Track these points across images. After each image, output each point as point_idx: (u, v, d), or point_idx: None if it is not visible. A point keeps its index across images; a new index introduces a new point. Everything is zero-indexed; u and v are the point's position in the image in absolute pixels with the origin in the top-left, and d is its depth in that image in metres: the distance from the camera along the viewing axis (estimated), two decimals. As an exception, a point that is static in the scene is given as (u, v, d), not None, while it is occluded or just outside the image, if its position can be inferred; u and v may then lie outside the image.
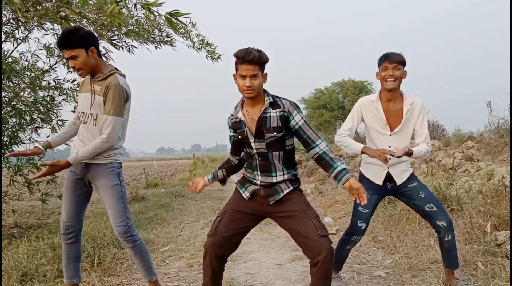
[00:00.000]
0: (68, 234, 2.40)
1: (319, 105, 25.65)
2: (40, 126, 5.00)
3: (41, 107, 4.93)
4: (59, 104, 5.13)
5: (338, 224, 4.67)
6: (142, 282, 2.97)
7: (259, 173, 2.16)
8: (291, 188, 2.14)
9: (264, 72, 2.06)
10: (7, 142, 4.58)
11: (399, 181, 2.55)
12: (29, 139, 4.96)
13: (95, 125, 2.34)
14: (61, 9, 3.10)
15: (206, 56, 5.42)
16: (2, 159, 4.40)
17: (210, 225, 5.09)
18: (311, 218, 2.02)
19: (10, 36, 4.42)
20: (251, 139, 2.10)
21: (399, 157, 2.36)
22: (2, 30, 4.21)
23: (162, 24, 4.91)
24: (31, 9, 3.04)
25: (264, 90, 2.12)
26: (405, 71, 2.52)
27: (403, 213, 3.99)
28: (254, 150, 2.11)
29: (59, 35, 2.35)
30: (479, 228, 3.33)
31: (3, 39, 4.28)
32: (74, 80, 5.08)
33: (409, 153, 2.39)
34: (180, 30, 4.99)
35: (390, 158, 2.49)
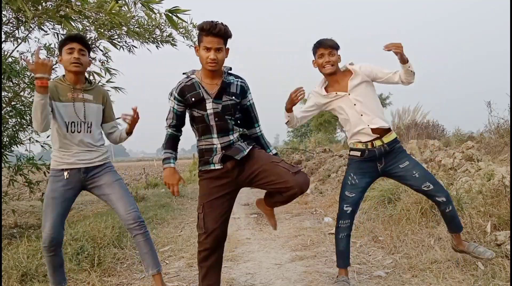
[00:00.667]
0: (51, 247, 2.35)
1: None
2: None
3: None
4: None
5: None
6: (142, 282, 2.97)
7: (215, 135, 2.16)
8: (250, 147, 2.19)
9: (227, 47, 2.11)
10: (6, 142, 4.58)
11: (374, 125, 2.51)
12: (29, 139, 4.96)
13: (90, 132, 2.44)
14: (61, 8, 3.09)
15: None
16: (2, 159, 4.40)
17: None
18: (278, 164, 2.10)
19: (10, 36, 4.42)
20: (208, 100, 2.12)
21: (389, 49, 2.35)
22: (2, 30, 4.21)
23: (162, 24, 4.91)
24: (31, 9, 3.04)
25: (225, 67, 2.21)
26: (339, 55, 2.58)
27: (403, 213, 3.99)
28: (210, 110, 2.12)
29: (71, 34, 2.48)
30: (479, 228, 3.32)
31: (3, 39, 4.27)
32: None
33: (398, 50, 2.34)
34: (181, 30, 4.98)
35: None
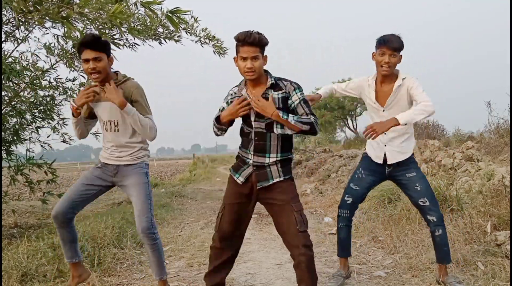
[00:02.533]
0: (61, 223, 2.43)
1: (319, 105, 25.66)
2: (41, 125, 5.00)
3: (41, 107, 4.93)
4: (60, 104, 5.13)
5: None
6: (142, 282, 2.98)
7: (252, 152, 2.16)
8: (281, 178, 2.14)
9: (264, 55, 2.10)
10: (6, 142, 4.58)
11: (391, 160, 2.56)
12: (29, 139, 4.96)
13: (118, 131, 2.46)
14: (62, 9, 3.09)
15: (213, 51, 5.38)
16: (2, 159, 4.41)
17: (210, 225, 5.10)
18: (293, 211, 2.07)
19: (10, 36, 4.42)
20: (252, 118, 2.13)
21: (366, 133, 2.34)
22: (2, 30, 4.21)
23: (164, 21, 4.89)
24: (33, 9, 3.04)
25: (266, 71, 2.17)
26: (401, 55, 2.54)
27: (403, 213, 3.99)
28: (253, 129, 2.14)
29: (84, 37, 2.42)
30: (479, 228, 3.32)
31: (3, 39, 4.28)
32: (74, 79, 5.08)
33: (389, 125, 2.31)
34: (181, 26, 4.97)
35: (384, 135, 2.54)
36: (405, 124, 2.34)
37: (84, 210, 6.73)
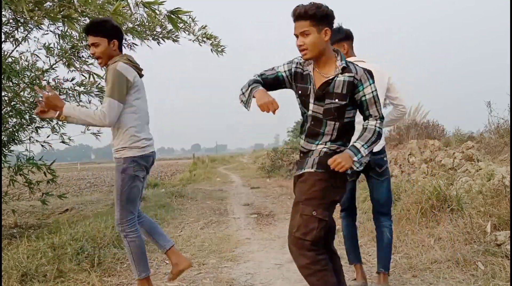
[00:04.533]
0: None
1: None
2: (40, 126, 5.00)
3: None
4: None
5: (338, 224, 4.67)
6: (142, 282, 2.97)
7: (303, 137, 1.97)
8: (312, 170, 1.87)
9: (325, 28, 1.80)
10: (6, 142, 4.58)
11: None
12: (29, 139, 4.96)
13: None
14: (63, 8, 3.10)
15: (211, 49, 5.38)
16: (2, 159, 4.41)
17: (210, 225, 5.11)
18: (299, 213, 1.85)
19: (10, 36, 4.42)
20: (311, 99, 1.89)
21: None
22: (2, 30, 4.21)
23: (163, 20, 4.89)
24: (36, 9, 3.05)
25: (337, 51, 1.91)
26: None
27: (403, 213, 3.99)
28: (310, 112, 1.91)
29: (87, 24, 2.40)
30: (479, 228, 3.32)
31: (3, 39, 4.28)
32: (73, 79, 5.08)
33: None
34: (180, 25, 4.97)
35: None
36: (366, 153, 2.36)
37: (84, 210, 6.75)
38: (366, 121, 1.91)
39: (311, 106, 1.90)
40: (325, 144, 1.90)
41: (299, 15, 1.78)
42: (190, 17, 5.01)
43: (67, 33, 4.60)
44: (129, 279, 3.03)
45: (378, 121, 1.88)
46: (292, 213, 1.93)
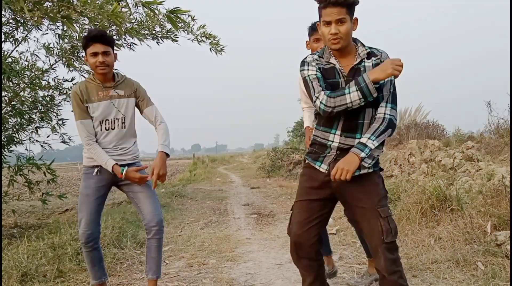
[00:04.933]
0: (88, 243, 2.38)
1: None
2: (40, 126, 5.00)
3: (41, 107, 4.93)
4: (59, 104, 5.14)
5: (338, 224, 4.67)
6: (142, 282, 2.97)
7: (338, 133, 1.81)
8: (370, 170, 1.78)
9: (354, 17, 1.75)
10: (5, 142, 4.59)
11: None
12: (29, 139, 4.96)
13: (125, 128, 2.45)
14: (62, 8, 3.10)
15: (210, 49, 5.38)
16: (2, 159, 4.41)
17: (210, 225, 5.11)
18: (379, 218, 1.74)
19: (10, 36, 4.42)
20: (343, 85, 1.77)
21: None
22: (2, 30, 4.21)
23: (162, 20, 4.89)
24: (35, 9, 3.05)
25: (356, 40, 1.84)
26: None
27: (403, 213, 3.99)
28: None
29: (89, 33, 2.36)
30: (479, 228, 3.32)
31: (3, 39, 4.28)
32: (73, 79, 5.09)
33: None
34: (180, 25, 4.97)
35: None
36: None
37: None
38: (377, 109, 1.79)
39: None
40: (368, 137, 1.73)
41: (337, 1, 1.67)
42: (190, 16, 5.02)
43: (67, 33, 4.61)
44: (129, 279, 3.03)
45: (388, 108, 1.76)
46: (360, 218, 1.81)
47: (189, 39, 5.22)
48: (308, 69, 1.81)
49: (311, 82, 1.79)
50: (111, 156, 2.38)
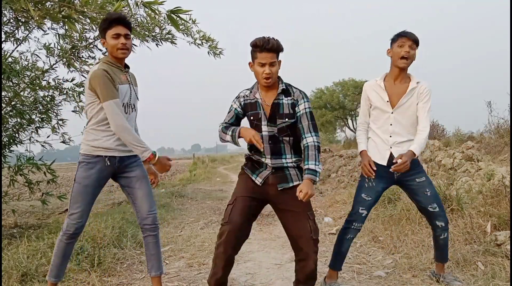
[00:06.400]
0: (74, 235, 2.36)
1: (320, 105, 25.67)
2: (40, 126, 5.00)
3: (41, 107, 4.93)
4: (59, 104, 5.13)
5: (338, 224, 4.67)
6: (142, 282, 2.97)
7: (268, 156, 2.19)
8: (300, 182, 2.16)
9: (279, 60, 2.15)
10: (6, 142, 4.58)
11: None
12: (29, 139, 4.96)
13: (136, 114, 2.47)
14: (64, 8, 3.10)
15: (208, 52, 5.38)
16: (2, 159, 4.41)
17: (210, 225, 5.10)
18: (309, 219, 2.12)
19: (11, 36, 4.42)
20: (264, 122, 2.17)
21: (399, 169, 2.35)
22: (3, 30, 4.21)
23: (162, 21, 4.89)
24: (35, 9, 3.05)
25: (278, 77, 2.20)
26: (415, 53, 2.48)
27: (403, 213, 3.99)
28: (265, 133, 2.17)
29: (111, 15, 2.30)
30: (479, 228, 3.32)
31: (3, 39, 4.28)
32: (73, 79, 5.08)
33: (411, 159, 2.39)
34: (181, 27, 4.98)
35: (390, 136, 2.52)
36: (418, 153, 2.45)
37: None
38: (304, 138, 2.15)
39: (264, 128, 2.17)
40: (292, 157, 2.20)
41: (272, 48, 2.06)
42: (190, 19, 5.03)
43: (68, 32, 4.61)
44: (129, 279, 3.03)
45: (315, 137, 2.15)
46: (296, 220, 2.14)
47: (188, 41, 5.24)
48: (234, 102, 2.27)
49: (229, 112, 2.27)
50: (118, 142, 2.32)
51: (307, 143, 2.12)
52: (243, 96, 2.26)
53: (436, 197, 2.51)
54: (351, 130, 23.04)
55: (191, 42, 5.25)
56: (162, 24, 4.97)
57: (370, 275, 2.96)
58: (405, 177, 2.50)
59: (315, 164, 2.06)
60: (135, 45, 5.10)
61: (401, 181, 2.54)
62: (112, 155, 2.33)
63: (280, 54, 2.15)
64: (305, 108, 2.17)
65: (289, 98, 2.18)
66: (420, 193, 2.50)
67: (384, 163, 2.51)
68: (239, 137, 2.15)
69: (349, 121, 24.12)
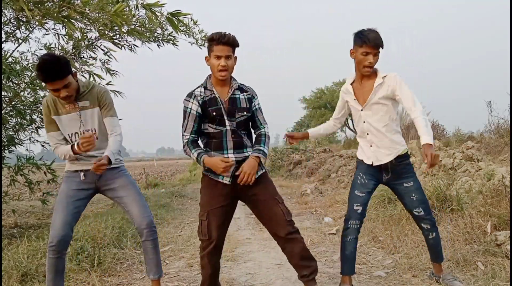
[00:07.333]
0: (59, 247, 2.24)
1: (320, 105, 25.66)
2: (40, 126, 5.00)
3: (41, 107, 4.93)
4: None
5: (338, 224, 4.67)
6: (142, 282, 2.98)
7: (231, 151, 2.22)
8: (263, 170, 2.30)
9: (235, 55, 2.22)
10: (6, 143, 4.59)
11: (376, 162, 2.49)
12: (29, 139, 4.96)
13: (97, 139, 2.38)
14: (63, 8, 3.10)
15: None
16: (2, 159, 4.40)
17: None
18: (278, 203, 2.25)
19: (11, 36, 4.42)
20: (225, 117, 2.21)
21: (431, 167, 2.20)
22: (3, 30, 4.21)
23: (164, 23, 4.91)
24: (34, 9, 3.05)
25: (231, 76, 2.28)
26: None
27: (403, 213, 3.99)
28: (228, 127, 2.21)
29: (42, 69, 2.14)
30: (479, 228, 3.32)
31: (3, 39, 4.28)
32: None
33: (432, 151, 2.17)
34: (182, 28, 4.99)
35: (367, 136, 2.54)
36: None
37: (84, 210, 6.74)
38: (259, 129, 2.34)
39: (228, 123, 2.21)
40: (251, 150, 2.28)
41: (228, 41, 2.12)
42: (192, 20, 5.05)
43: (68, 32, 4.61)
44: (129, 279, 3.03)
45: (266, 127, 2.35)
46: (267, 207, 2.25)
47: (190, 42, 5.25)
48: (192, 103, 2.22)
49: (188, 118, 2.22)
50: (89, 161, 2.34)
51: (260, 132, 2.32)
52: (199, 94, 2.22)
53: (422, 202, 2.51)
54: (351, 130, 23.02)
55: (193, 43, 5.27)
56: (164, 26, 4.99)
57: (370, 275, 2.96)
58: (393, 181, 2.52)
59: (263, 146, 2.24)
60: (136, 46, 5.11)
61: (388, 184, 2.57)
62: (86, 169, 2.37)
63: (237, 49, 2.21)
64: (258, 103, 2.34)
65: (245, 93, 2.29)
66: (406, 197, 2.52)
67: (370, 162, 2.53)
68: (203, 164, 2.19)
69: (349, 121, 24.12)
